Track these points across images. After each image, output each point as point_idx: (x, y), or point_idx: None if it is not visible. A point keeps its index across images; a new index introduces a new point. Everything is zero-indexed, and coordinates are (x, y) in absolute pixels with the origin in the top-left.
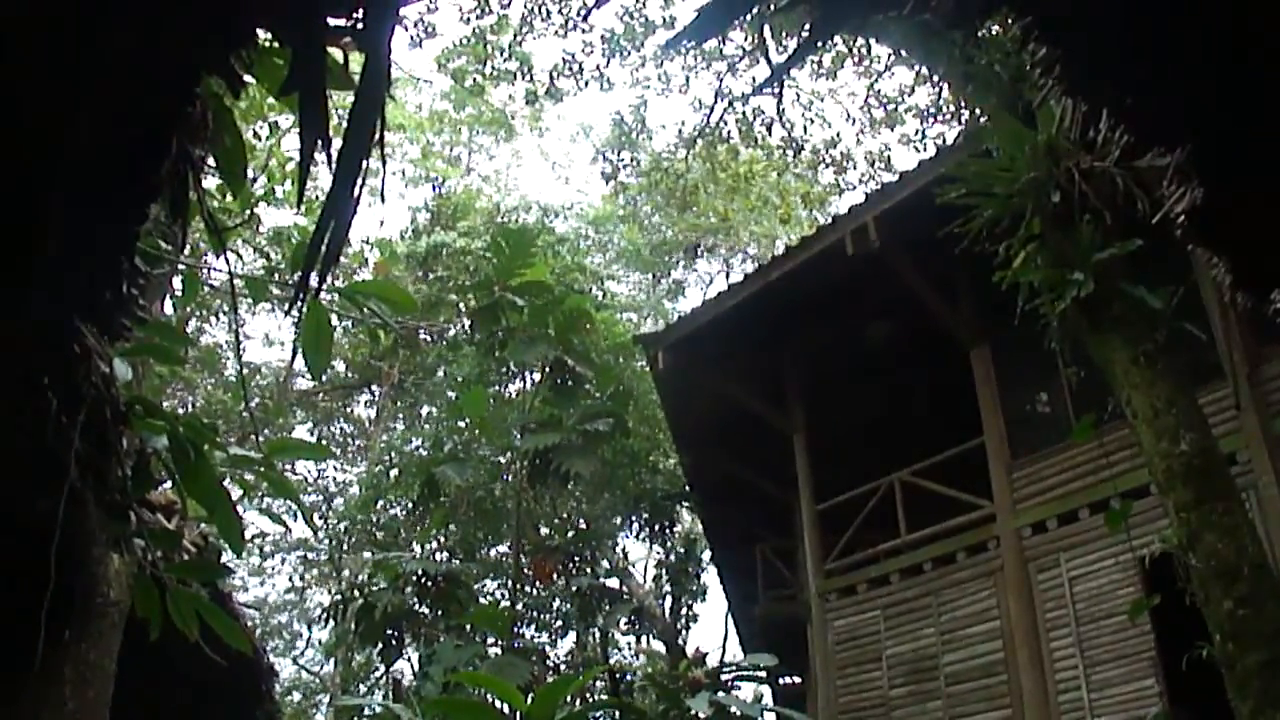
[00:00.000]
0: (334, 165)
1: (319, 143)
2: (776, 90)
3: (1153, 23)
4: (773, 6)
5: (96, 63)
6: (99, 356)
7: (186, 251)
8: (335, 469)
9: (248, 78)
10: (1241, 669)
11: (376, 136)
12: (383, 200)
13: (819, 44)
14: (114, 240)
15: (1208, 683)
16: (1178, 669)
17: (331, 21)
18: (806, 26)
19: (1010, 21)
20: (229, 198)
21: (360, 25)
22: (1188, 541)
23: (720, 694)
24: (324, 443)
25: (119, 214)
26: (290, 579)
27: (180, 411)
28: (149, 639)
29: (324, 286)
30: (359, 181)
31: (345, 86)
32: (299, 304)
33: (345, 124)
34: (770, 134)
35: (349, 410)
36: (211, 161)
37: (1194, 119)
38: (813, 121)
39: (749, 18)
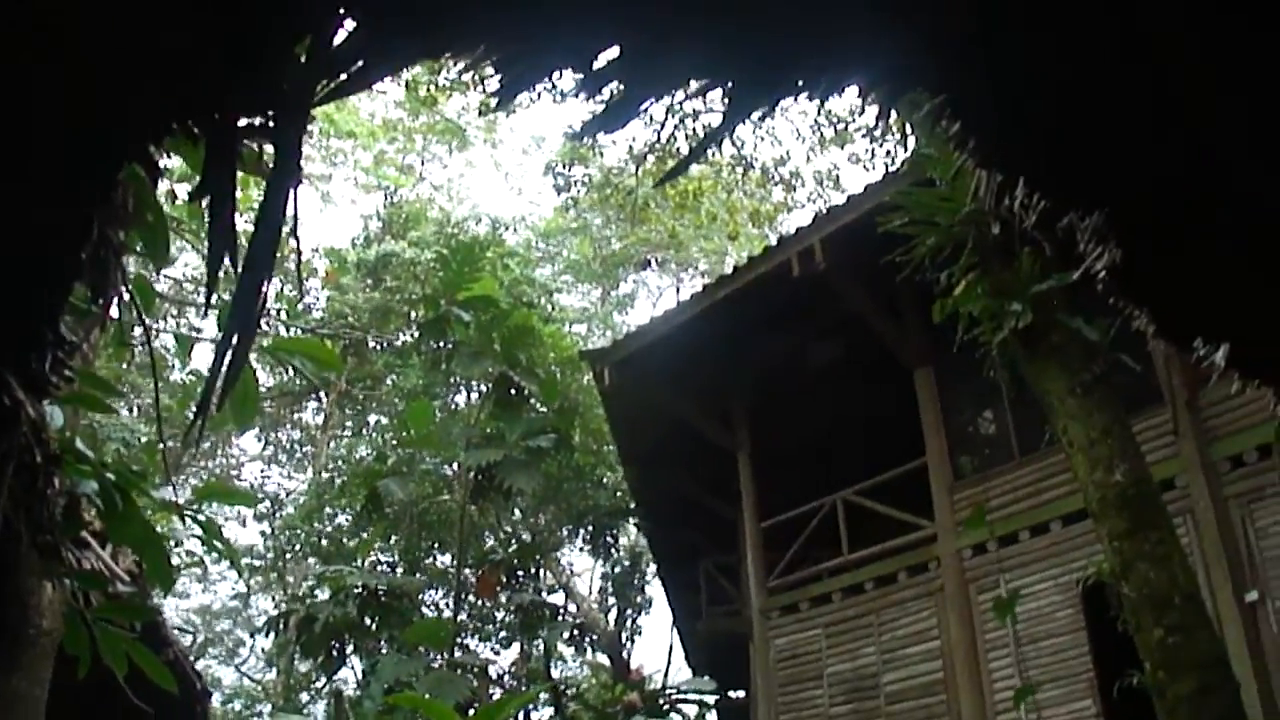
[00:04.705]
0: (239, 272)
1: (226, 251)
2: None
3: (1063, 99)
4: (685, 94)
5: (19, 154)
6: (29, 405)
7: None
8: (282, 476)
9: (170, 159)
10: (1172, 696)
11: (290, 227)
12: (300, 284)
13: (733, 128)
14: (37, 317)
15: (1143, 705)
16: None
17: (244, 120)
18: (723, 104)
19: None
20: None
21: (271, 124)
22: (1120, 570)
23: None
24: (271, 449)
25: (38, 295)
26: (234, 585)
27: (128, 414)
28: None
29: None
30: (264, 291)
31: (259, 173)
32: (199, 426)
33: (256, 218)
34: (720, 152)
35: (296, 417)
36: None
37: (1110, 186)
38: (763, 140)
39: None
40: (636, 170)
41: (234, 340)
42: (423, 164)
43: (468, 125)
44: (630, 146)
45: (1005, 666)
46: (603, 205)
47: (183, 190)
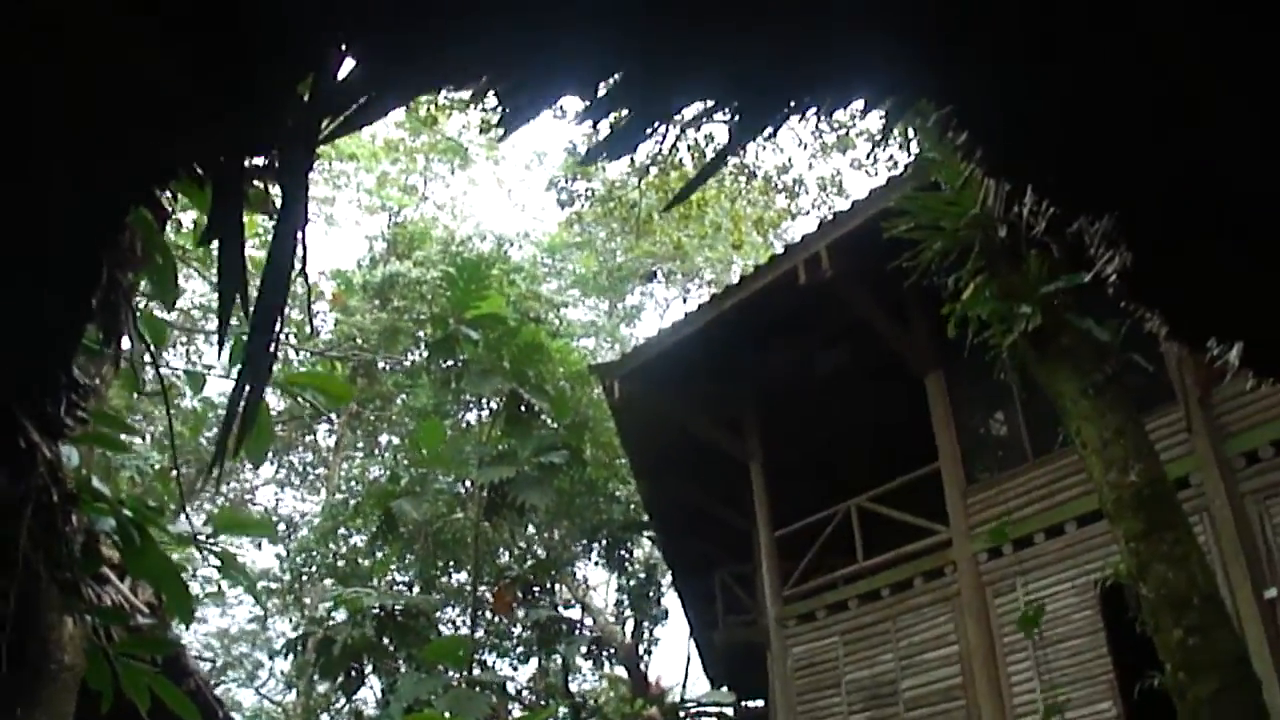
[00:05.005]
0: (250, 320)
1: (237, 293)
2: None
3: (1067, 102)
4: (691, 116)
5: (29, 199)
6: (45, 447)
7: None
8: (296, 499)
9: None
10: (1192, 698)
11: (299, 270)
12: (311, 327)
13: (739, 147)
14: (50, 361)
15: (1163, 706)
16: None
17: (249, 161)
18: (728, 123)
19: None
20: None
21: (277, 163)
22: (1138, 571)
23: None
24: (284, 472)
25: (51, 340)
26: (251, 609)
27: (138, 441)
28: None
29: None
30: (276, 335)
31: (266, 212)
32: (217, 468)
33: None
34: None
35: (309, 440)
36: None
37: (1117, 190)
38: (764, 147)
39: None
40: (639, 183)
41: (248, 388)
42: (425, 183)
43: (469, 143)
44: (632, 159)
45: (1024, 670)
46: (607, 218)
47: (187, 217)
